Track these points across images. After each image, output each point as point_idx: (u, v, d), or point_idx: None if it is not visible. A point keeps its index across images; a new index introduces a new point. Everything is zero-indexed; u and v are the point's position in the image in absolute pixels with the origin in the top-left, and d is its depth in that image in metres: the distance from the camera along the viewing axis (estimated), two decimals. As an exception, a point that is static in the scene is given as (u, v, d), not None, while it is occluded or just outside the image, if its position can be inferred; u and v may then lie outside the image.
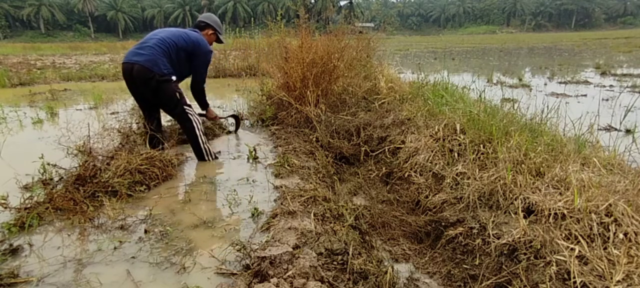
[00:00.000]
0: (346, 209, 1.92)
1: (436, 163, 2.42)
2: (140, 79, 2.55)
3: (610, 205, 1.47)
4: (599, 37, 31.23)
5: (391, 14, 32.58)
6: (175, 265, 1.49)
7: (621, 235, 1.34)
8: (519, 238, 1.51)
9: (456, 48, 20.82)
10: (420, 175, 2.44)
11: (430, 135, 2.68)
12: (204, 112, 3.18)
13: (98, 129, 3.26)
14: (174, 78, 2.64)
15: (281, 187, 2.19)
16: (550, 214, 1.55)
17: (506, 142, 2.18)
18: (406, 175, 2.54)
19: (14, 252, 1.56)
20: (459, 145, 2.45)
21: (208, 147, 2.79)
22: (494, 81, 7.27)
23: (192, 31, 2.89)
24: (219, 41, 3.16)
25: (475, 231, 1.73)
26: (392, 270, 1.55)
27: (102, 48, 24.74)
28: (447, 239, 1.84)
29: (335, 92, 4.07)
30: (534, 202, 1.67)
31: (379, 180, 2.76)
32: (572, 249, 1.35)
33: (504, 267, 1.49)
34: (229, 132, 3.69)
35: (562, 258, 1.33)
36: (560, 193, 1.68)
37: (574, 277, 1.24)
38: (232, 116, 3.66)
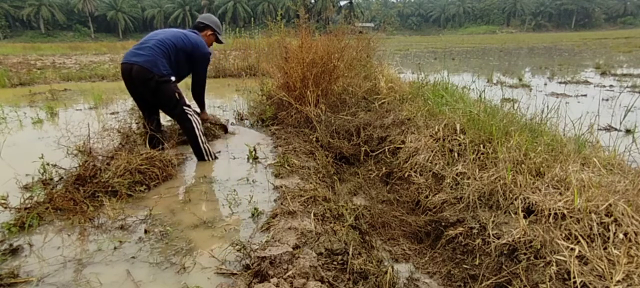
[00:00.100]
0: (346, 209, 1.92)
1: (436, 163, 2.42)
2: (139, 79, 2.55)
3: (610, 205, 1.47)
4: (599, 37, 31.23)
5: (391, 14, 32.63)
6: (175, 265, 1.49)
7: (621, 235, 1.34)
8: (519, 238, 1.51)
9: (456, 48, 20.82)
10: (420, 175, 2.44)
11: (430, 135, 2.68)
12: (198, 111, 3.16)
13: (98, 129, 3.26)
14: (173, 78, 2.64)
15: (281, 187, 2.19)
16: (550, 214, 1.55)
17: (506, 142, 2.18)
18: (406, 175, 2.54)
19: (14, 252, 1.56)
20: (459, 145, 2.45)
21: (208, 147, 2.79)
22: (494, 81, 7.26)
23: (191, 32, 2.89)
24: (218, 41, 3.16)
25: (475, 231, 1.73)
26: (392, 270, 1.55)
27: (102, 48, 24.74)
28: (447, 239, 1.84)
29: (335, 92, 4.07)
30: (534, 202, 1.67)
31: (379, 180, 2.76)
32: (572, 249, 1.35)
33: (504, 267, 1.49)
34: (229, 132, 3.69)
35: (562, 258, 1.33)
36: (560, 193, 1.68)
37: (574, 277, 1.24)
38: (220, 125, 3.59)
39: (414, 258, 1.86)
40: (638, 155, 2.22)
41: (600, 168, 1.85)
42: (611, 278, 1.21)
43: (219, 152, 2.96)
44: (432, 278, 1.70)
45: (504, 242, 1.55)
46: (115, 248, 1.60)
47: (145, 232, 1.72)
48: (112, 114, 4.63)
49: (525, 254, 1.45)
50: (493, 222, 1.69)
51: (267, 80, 4.76)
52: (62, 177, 2.33)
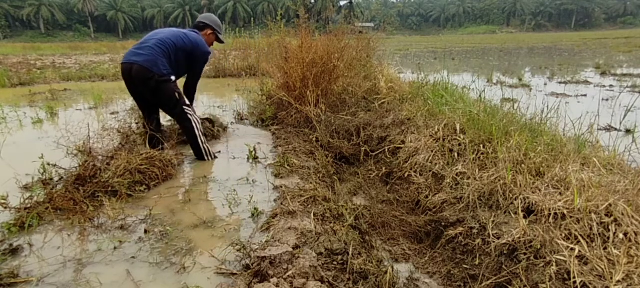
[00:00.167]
0: (346, 209, 1.92)
1: (436, 163, 2.42)
2: (139, 79, 2.55)
3: (610, 205, 1.47)
4: (599, 37, 31.23)
5: (391, 14, 32.61)
6: (175, 265, 1.49)
7: (621, 235, 1.34)
8: (519, 238, 1.51)
9: (456, 48, 20.82)
10: (420, 175, 2.44)
11: (430, 135, 2.68)
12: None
13: (98, 129, 3.26)
14: (173, 78, 2.64)
15: (281, 187, 2.19)
16: (550, 214, 1.55)
17: (506, 142, 2.18)
18: (406, 175, 2.54)
19: (14, 252, 1.56)
20: (459, 145, 2.45)
21: (208, 147, 2.79)
22: (494, 81, 7.26)
23: (192, 32, 2.89)
24: (219, 41, 3.17)
25: (475, 231, 1.73)
26: (392, 270, 1.55)
27: (102, 48, 24.74)
28: (447, 239, 1.84)
29: (335, 92, 4.07)
30: (534, 202, 1.67)
31: (379, 180, 2.76)
32: (572, 249, 1.35)
33: (504, 267, 1.49)
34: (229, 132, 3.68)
35: (562, 258, 1.33)
36: (560, 193, 1.68)
37: (574, 277, 1.24)
38: (207, 119, 3.51)
39: (414, 258, 1.86)
40: (638, 155, 2.22)
41: (600, 168, 1.85)
42: (611, 278, 1.21)
43: (219, 152, 2.96)
44: (432, 278, 1.70)
45: (504, 242, 1.55)
46: (115, 248, 1.60)
47: (145, 232, 1.72)
48: (112, 114, 4.63)
49: (525, 254, 1.45)
50: (493, 222, 1.69)
51: (267, 80, 4.76)
52: (62, 177, 2.33)
